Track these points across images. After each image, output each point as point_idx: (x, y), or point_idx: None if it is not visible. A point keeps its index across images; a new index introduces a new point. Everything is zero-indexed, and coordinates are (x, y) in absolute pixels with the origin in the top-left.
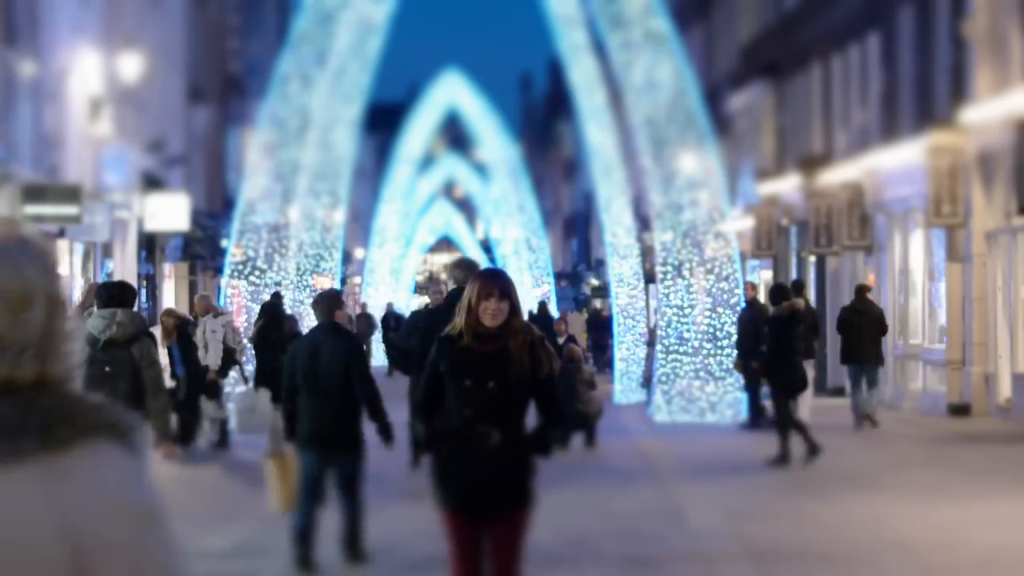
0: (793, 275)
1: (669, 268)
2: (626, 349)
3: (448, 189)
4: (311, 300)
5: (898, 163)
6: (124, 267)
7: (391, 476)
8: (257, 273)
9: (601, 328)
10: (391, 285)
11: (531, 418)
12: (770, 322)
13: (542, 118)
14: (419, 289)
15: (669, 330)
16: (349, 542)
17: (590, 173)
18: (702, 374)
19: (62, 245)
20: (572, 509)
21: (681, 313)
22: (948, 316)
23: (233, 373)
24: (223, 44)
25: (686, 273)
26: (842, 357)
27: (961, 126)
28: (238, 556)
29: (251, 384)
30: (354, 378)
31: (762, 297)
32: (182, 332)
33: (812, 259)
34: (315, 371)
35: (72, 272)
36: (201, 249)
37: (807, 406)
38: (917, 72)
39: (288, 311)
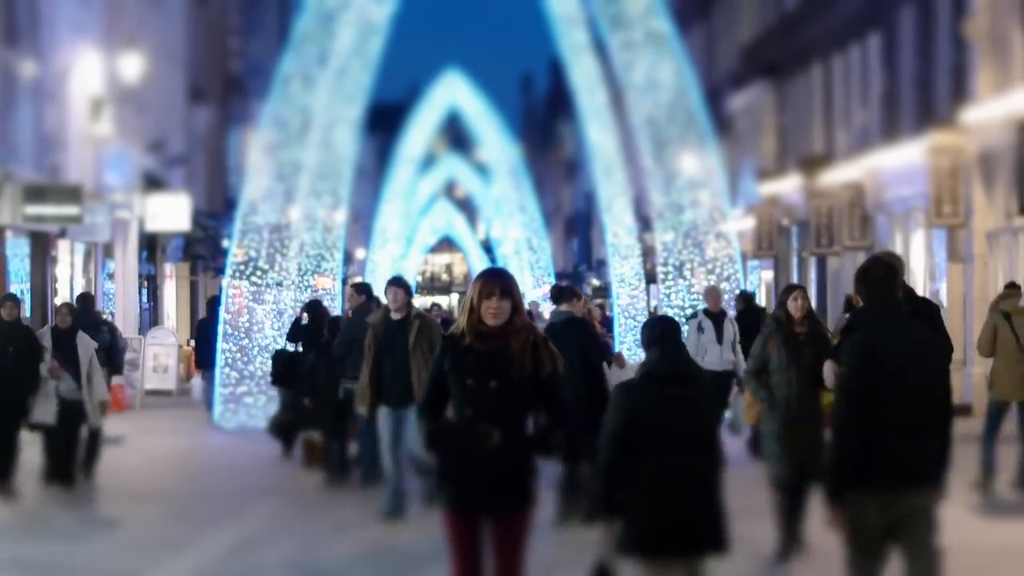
0: (794, 275)
1: (670, 268)
2: (627, 349)
3: (449, 189)
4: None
5: (899, 163)
6: (125, 267)
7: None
8: (259, 273)
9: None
10: None
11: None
12: None
13: (543, 118)
14: (420, 289)
15: None
16: None
17: (591, 173)
18: None
19: (63, 245)
20: None
21: (682, 313)
22: (949, 316)
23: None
24: (224, 44)
25: (687, 273)
26: None
27: (962, 126)
28: (238, 556)
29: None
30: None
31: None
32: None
33: (813, 259)
34: None
35: (73, 272)
36: (202, 249)
37: None
38: (918, 72)
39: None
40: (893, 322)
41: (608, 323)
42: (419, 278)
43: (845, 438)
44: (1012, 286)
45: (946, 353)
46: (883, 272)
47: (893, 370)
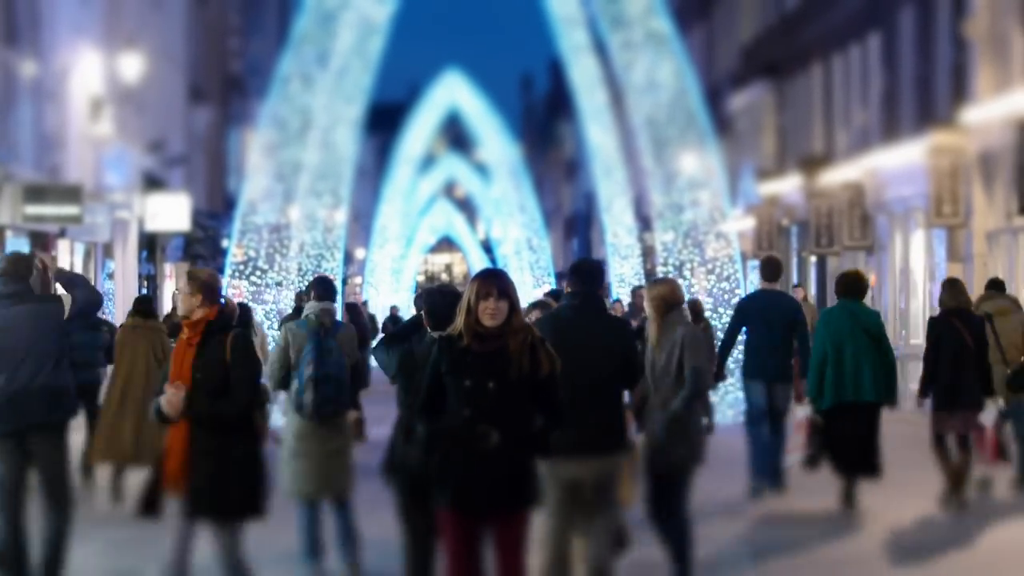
0: (794, 275)
1: (670, 268)
2: None
3: (449, 189)
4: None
5: (899, 163)
6: (125, 267)
7: None
8: (258, 273)
9: None
10: (392, 285)
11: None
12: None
13: (543, 118)
14: (420, 289)
15: None
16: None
17: (591, 173)
18: None
19: (63, 245)
20: None
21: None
22: None
23: None
24: (224, 44)
25: (687, 273)
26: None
27: (962, 126)
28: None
29: None
30: None
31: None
32: None
33: (813, 259)
34: None
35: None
36: (202, 249)
37: None
38: (918, 72)
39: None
40: (578, 312)
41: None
42: (419, 278)
43: None
44: (994, 286)
45: (626, 347)
46: (590, 268)
47: (566, 353)
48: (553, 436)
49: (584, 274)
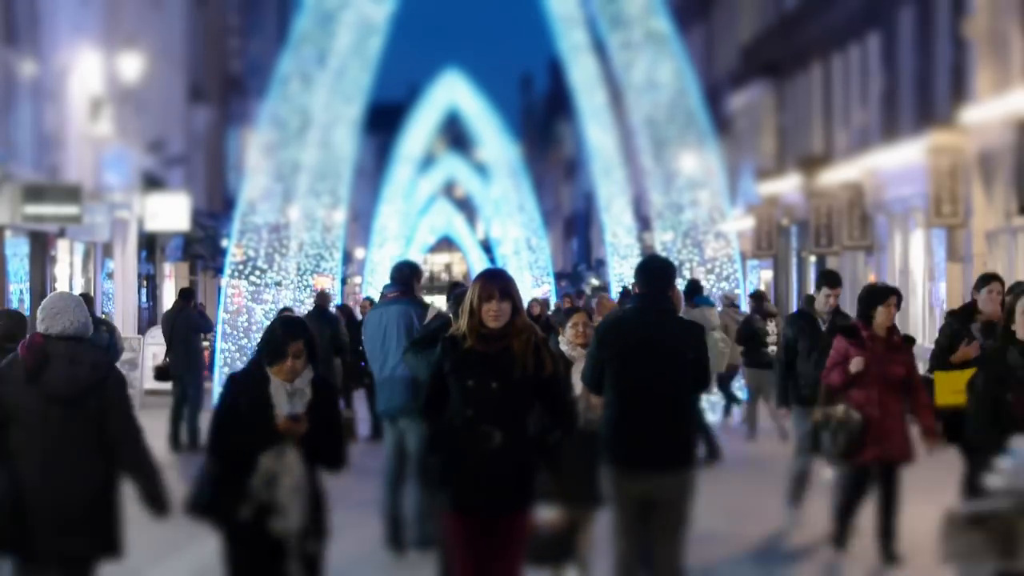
0: (794, 275)
1: None
2: None
3: (448, 189)
4: None
5: (898, 163)
6: (124, 267)
7: None
8: (257, 273)
9: None
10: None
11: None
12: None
13: (542, 118)
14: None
15: None
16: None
17: (590, 173)
18: None
19: (62, 245)
20: None
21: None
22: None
23: None
24: (223, 44)
25: (687, 273)
26: None
27: (961, 126)
28: None
29: None
30: None
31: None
32: None
33: (812, 259)
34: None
35: (72, 272)
36: (201, 249)
37: None
38: (917, 72)
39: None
40: (643, 315)
41: None
42: None
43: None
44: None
45: (698, 352)
46: (657, 267)
47: (622, 357)
48: (615, 448)
49: (650, 274)
